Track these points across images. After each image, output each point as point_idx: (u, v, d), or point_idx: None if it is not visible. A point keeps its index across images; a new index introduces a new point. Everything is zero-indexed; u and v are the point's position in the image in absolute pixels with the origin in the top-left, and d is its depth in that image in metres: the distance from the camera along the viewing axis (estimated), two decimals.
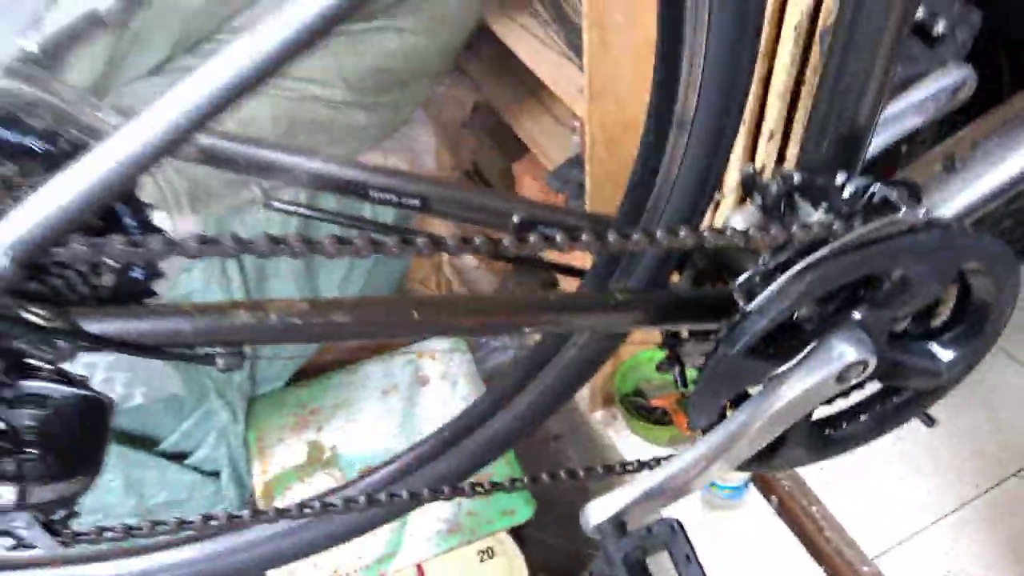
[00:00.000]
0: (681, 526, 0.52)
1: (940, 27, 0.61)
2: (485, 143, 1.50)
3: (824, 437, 0.59)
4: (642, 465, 0.57)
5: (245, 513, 0.55)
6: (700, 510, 1.20)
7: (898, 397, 0.58)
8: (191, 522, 0.55)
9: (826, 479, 1.19)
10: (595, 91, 0.86)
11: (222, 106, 0.34)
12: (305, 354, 1.29)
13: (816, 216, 0.47)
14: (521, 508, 1.17)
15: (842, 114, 0.46)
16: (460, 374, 1.34)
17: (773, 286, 0.45)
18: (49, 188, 0.34)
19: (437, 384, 1.34)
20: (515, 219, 0.49)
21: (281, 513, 0.57)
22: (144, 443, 1.16)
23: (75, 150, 0.36)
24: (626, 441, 1.31)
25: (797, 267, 0.44)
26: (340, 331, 0.38)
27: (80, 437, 0.37)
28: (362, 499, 0.58)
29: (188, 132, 0.34)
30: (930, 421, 1.37)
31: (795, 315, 0.50)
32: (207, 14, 0.98)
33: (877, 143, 0.59)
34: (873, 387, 0.58)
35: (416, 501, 0.59)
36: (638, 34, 0.85)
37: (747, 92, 0.45)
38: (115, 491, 1.09)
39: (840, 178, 0.46)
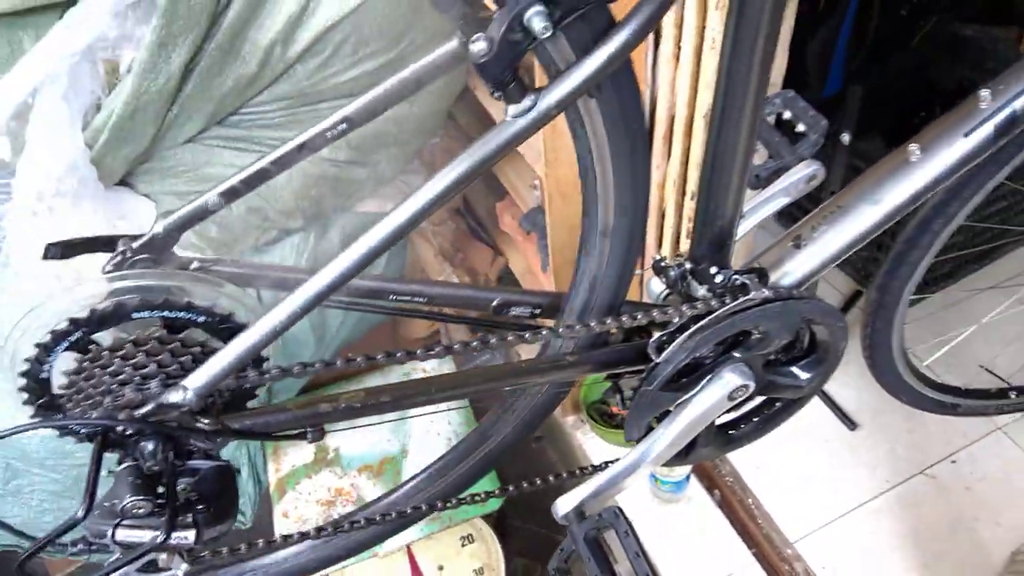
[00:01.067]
0: (622, 511, 0.73)
1: (800, 127, 0.82)
2: (473, 185, 1.69)
3: (727, 436, 0.81)
4: (595, 468, 0.79)
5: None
6: (650, 503, 1.41)
7: (776, 406, 0.80)
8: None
9: (761, 475, 1.41)
10: (550, 159, 1.07)
11: (330, 292, 0.52)
12: (313, 372, 1.50)
13: (701, 292, 0.69)
14: (492, 500, 1.39)
15: (713, 223, 0.67)
16: None
17: (674, 345, 0.67)
18: (224, 352, 0.53)
19: None
20: (494, 303, 0.70)
21: (319, 531, 0.75)
22: None
23: (223, 319, 0.56)
24: (592, 442, 1.50)
25: (688, 332, 0.66)
26: (384, 407, 0.59)
27: (225, 494, 0.58)
28: (378, 517, 0.78)
29: (307, 309, 0.52)
30: (852, 425, 1.62)
31: (696, 358, 0.71)
32: (235, 94, 1.17)
33: (753, 221, 0.80)
34: (758, 400, 0.80)
35: (418, 516, 0.80)
36: None
37: (646, 204, 0.66)
38: None
39: (713, 269, 0.67)
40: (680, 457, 0.78)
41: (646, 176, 0.60)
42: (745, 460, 1.44)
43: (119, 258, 0.61)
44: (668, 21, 0.97)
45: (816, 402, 1.50)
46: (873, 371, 1.02)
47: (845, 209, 0.72)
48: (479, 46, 0.43)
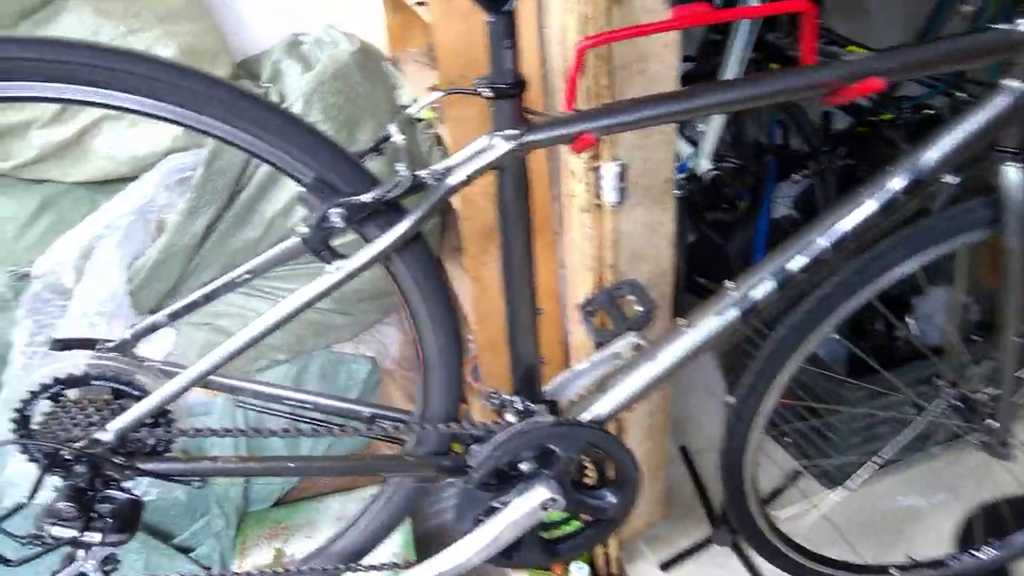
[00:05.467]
0: None
1: (636, 307, 1.06)
2: None
3: (552, 547, 0.98)
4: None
5: None
6: None
7: (596, 522, 0.98)
8: None
9: None
10: (480, 316, 1.33)
11: (208, 374, 0.78)
12: (288, 486, 1.70)
13: (508, 417, 0.90)
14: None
15: (518, 364, 0.90)
16: None
17: (482, 456, 0.88)
18: (134, 408, 0.79)
19: None
20: (366, 414, 0.94)
21: None
22: (163, 535, 1.55)
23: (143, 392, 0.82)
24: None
25: (490, 444, 0.87)
26: (252, 471, 0.82)
27: (128, 516, 0.80)
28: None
29: (192, 384, 0.78)
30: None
31: (516, 464, 0.91)
32: (246, 251, 1.50)
33: (592, 375, 1.02)
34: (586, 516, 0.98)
35: None
36: None
37: (458, 343, 0.89)
38: (137, 567, 1.48)
39: (518, 402, 0.89)
40: (505, 558, 0.95)
41: (452, 323, 0.84)
42: None
43: (98, 354, 0.89)
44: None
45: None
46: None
47: (632, 364, 0.93)
48: (302, 230, 0.71)
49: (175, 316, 0.87)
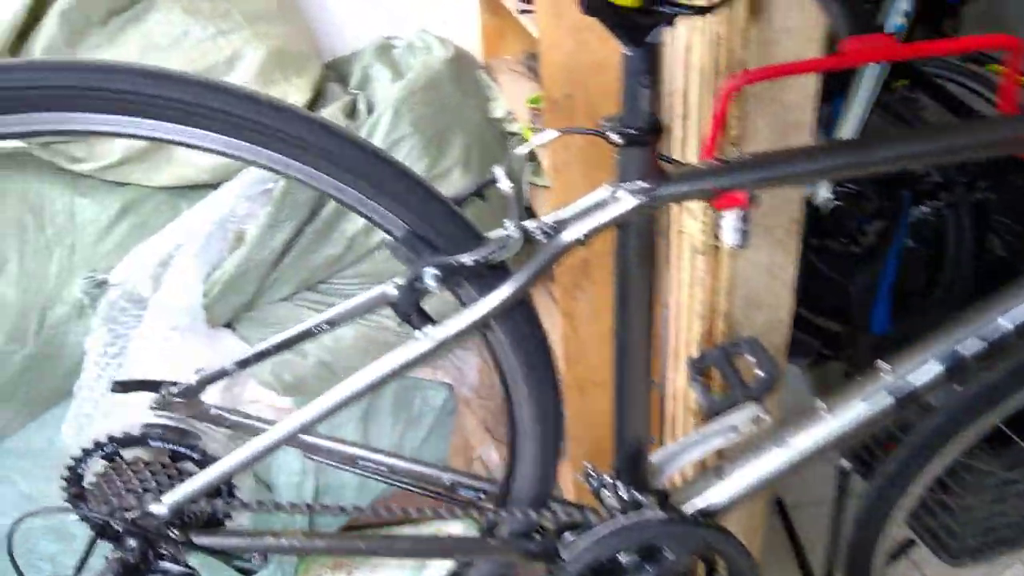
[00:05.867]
0: None
1: (758, 371, 0.92)
2: None
3: None
4: None
5: None
6: None
7: None
8: None
9: None
10: (569, 354, 1.21)
11: (278, 445, 0.69)
12: (351, 516, 1.63)
13: (610, 504, 0.78)
14: None
15: (624, 442, 0.77)
16: None
17: (579, 550, 0.76)
18: (193, 479, 0.70)
19: None
20: (447, 482, 0.83)
21: None
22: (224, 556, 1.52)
23: (210, 459, 0.74)
24: None
25: (588, 539, 0.75)
26: (318, 550, 0.73)
27: None
28: None
29: (259, 456, 0.69)
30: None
31: (610, 563, 0.79)
32: (323, 268, 1.42)
33: (697, 452, 0.89)
34: None
35: None
36: (603, 325, 1.21)
37: (557, 416, 0.77)
38: None
39: (622, 489, 0.77)
40: None
41: (554, 394, 0.73)
42: None
43: (161, 398, 0.81)
44: None
45: None
46: None
47: (757, 447, 0.80)
48: (391, 292, 0.60)
49: (244, 364, 0.79)
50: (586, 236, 0.62)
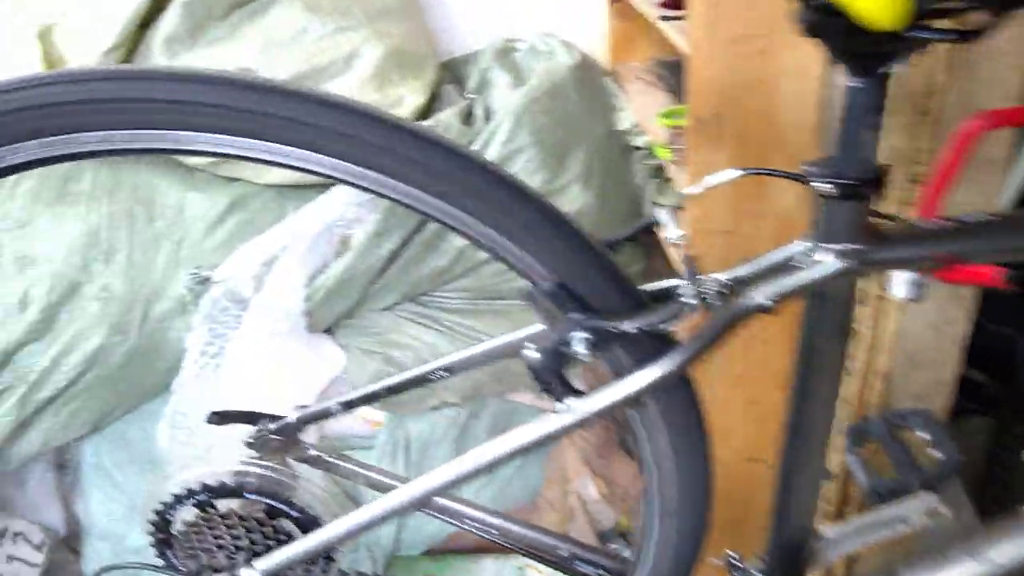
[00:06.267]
0: None
1: (934, 452, 0.78)
2: None
3: None
4: None
5: None
6: None
7: None
8: None
9: None
10: None
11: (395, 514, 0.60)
12: (440, 536, 1.56)
13: None
14: None
15: (783, 531, 0.66)
16: None
17: None
18: (292, 546, 0.62)
19: None
20: (563, 553, 0.74)
21: None
22: None
23: (311, 520, 0.66)
24: None
25: None
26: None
27: None
28: None
29: (373, 523, 0.60)
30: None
31: None
32: (429, 280, 1.35)
33: (857, 541, 0.76)
34: None
35: None
36: (748, 391, 1.09)
37: (705, 503, 0.65)
38: None
39: None
40: None
41: (703, 477, 0.62)
42: None
43: (258, 433, 0.74)
44: None
45: None
46: None
47: (948, 558, 0.66)
48: (531, 355, 0.51)
49: (350, 406, 0.71)
50: (775, 302, 0.51)
